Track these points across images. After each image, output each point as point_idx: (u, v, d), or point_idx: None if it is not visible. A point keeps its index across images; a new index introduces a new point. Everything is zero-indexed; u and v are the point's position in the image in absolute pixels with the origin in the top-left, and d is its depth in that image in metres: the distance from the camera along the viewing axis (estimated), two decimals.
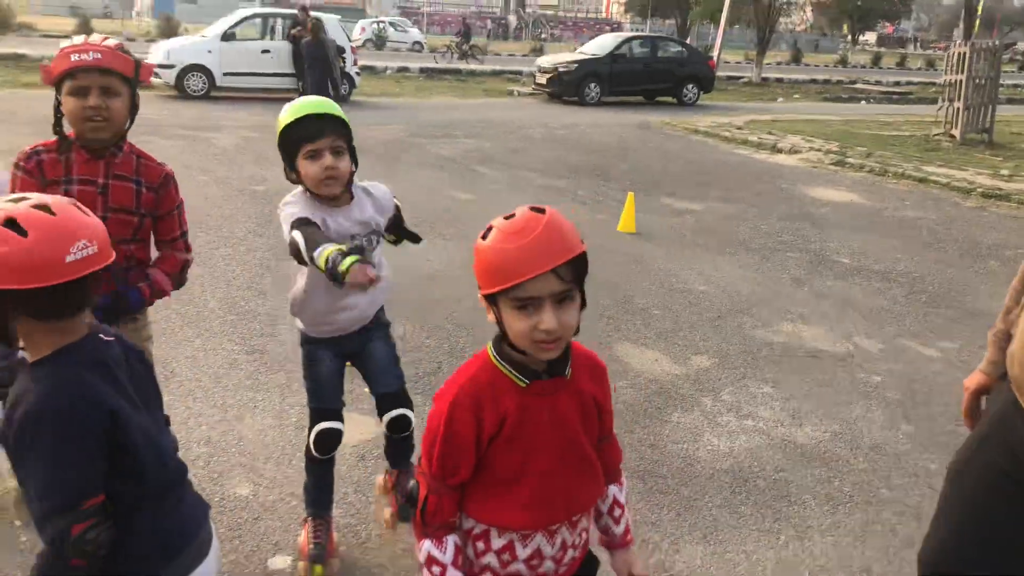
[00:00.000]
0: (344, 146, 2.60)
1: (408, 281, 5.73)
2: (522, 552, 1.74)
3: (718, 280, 6.66)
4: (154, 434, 1.74)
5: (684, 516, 3.41)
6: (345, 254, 2.26)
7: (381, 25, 38.34)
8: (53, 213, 1.55)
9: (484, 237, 1.61)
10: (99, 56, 2.41)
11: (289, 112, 2.59)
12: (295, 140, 2.57)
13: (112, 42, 2.51)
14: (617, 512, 1.93)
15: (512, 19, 54.85)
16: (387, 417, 2.95)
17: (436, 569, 1.71)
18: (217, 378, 4.36)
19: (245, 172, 9.43)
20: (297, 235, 2.41)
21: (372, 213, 2.73)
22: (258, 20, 17.80)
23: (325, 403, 2.84)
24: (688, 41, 29.21)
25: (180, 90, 16.30)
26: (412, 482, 1.78)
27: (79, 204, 1.63)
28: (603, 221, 8.35)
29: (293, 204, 2.61)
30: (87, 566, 1.58)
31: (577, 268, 1.60)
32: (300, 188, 2.66)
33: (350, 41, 18.12)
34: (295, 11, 17.40)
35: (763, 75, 29.70)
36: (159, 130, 11.65)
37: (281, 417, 3.98)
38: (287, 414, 3.99)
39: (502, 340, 1.67)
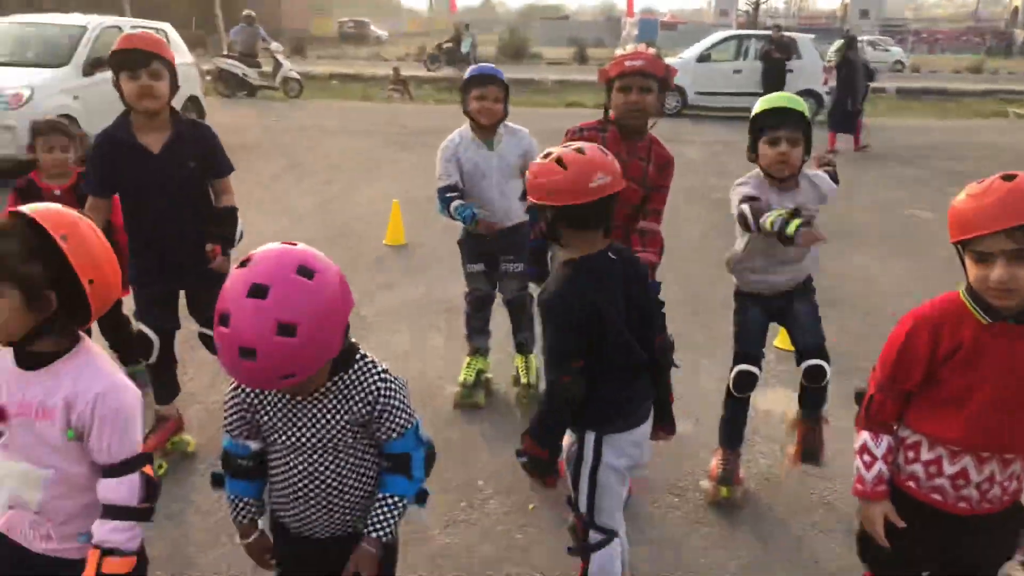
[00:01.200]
0: (800, 138, 3.05)
1: (854, 286, 5.83)
2: (948, 468, 1.98)
3: None
4: (621, 327, 2.33)
5: None
6: (787, 219, 2.76)
7: (860, 45, 36.78)
8: (583, 153, 2.24)
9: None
10: (643, 63, 3.18)
11: (763, 102, 3.14)
12: (760, 126, 3.11)
13: (652, 51, 3.28)
14: None
15: (1018, 34, 47.96)
16: (805, 365, 3.31)
17: (867, 458, 2.04)
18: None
19: (707, 182, 10.19)
20: (745, 208, 2.98)
21: (811, 199, 3.17)
22: (733, 42, 18.59)
23: (746, 347, 3.33)
24: None
25: None
26: (859, 385, 2.12)
27: (601, 147, 2.30)
28: None
29: (744, 185, 3.17)
30: (567, 408, 2.26)
31: None
32: (755, 171, 3.19)
33: (824, 61, 17.95)
34: (769, 31, 17.82)
35: None
36: None
37: (722, 381, 4.52)
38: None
39: None
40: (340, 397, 1.82)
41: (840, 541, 3.18)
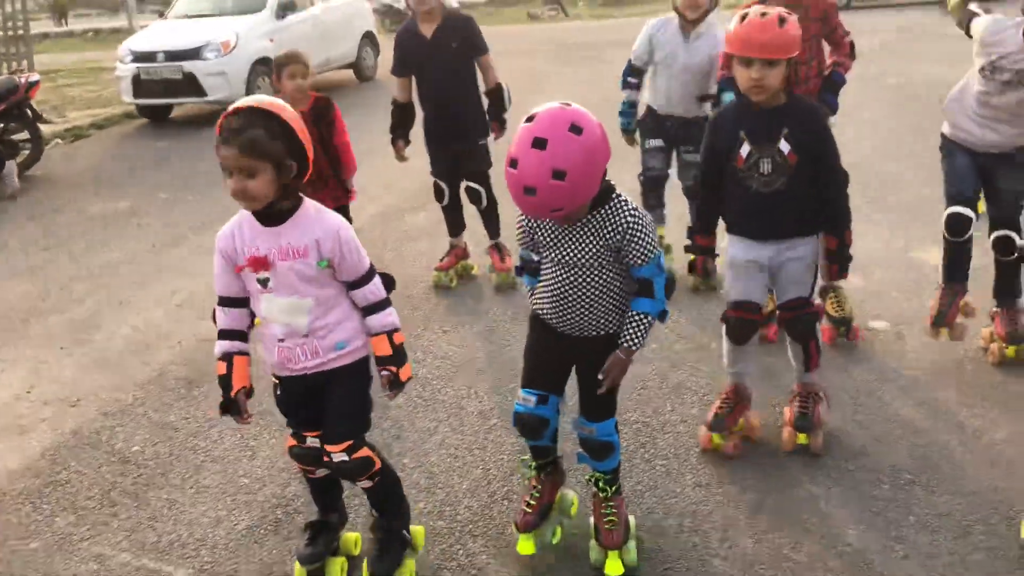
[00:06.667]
0: None
1: None
2: None
3: None
4: None
5: None
6: None
7: None
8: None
9: None
10: None
11: None
12: None
13: None
14: None
15: None
16: (993, 236, 3.41)
17: None
18: None
19: (880, 68, 9.89)
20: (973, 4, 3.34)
21: None
22: None
23: (956, 187, 3.39)
24: None
25: None
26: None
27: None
28: None
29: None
30: None
31: None
32: None
33: None
34: None
35: None
36: None
37: (889, 243, 4.79)
38: (894, 243, 4.75)
39: None
40: (598, 226, 2.26)
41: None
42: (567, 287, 2.36)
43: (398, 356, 2.38)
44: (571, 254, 2.32)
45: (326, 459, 2.42)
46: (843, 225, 2.89)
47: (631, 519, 2.66)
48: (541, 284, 2.46)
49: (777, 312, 3.08)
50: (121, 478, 3.20)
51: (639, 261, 2.29)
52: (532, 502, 2.61)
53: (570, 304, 2.38)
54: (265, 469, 3.20)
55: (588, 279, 2.34)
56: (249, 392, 2.40)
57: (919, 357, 3.62)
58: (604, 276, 2.34)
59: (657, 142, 4.48)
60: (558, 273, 2.38)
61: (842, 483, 2.86)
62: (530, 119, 2.12)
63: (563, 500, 2.72)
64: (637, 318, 2.35)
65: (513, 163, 2.11)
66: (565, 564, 2.60)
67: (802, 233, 2.89)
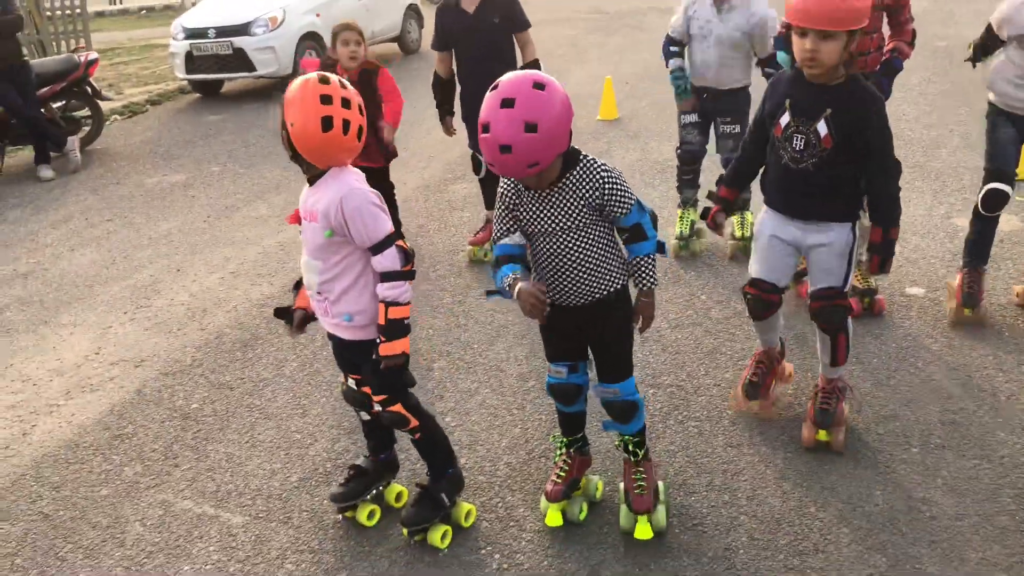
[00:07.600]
0: None
1: None
2: None
3: None
4: None
5: None
6: None
7: None
8: None
9: None
10: None
11: None
12: None
13: None
14: None
15: None
16: None
17: None
18: None
19: (931, 31, 9.65)
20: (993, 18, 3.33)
21: None
22: None
23: (997, 164, 3.41)
24: None
25: None
26: None
27: None
28: None
29: None
30: None
31: None
32: None
33: None
34: None
35: None
36: None
37: (931, 209, 4.75)
38: (936, 209, 4.70)
39: None
40: (574, 187, 2.34)
41: None
42: (558, 255, 2.43)
43: (388, 329, 2.41)
44: (556, 220, 2.39)
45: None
46: (890, 219, 2.71)
47: (661, 484, 2.74)
48: (537, 266, 2.50)
49: (808, 301, 2.93)
50: (182, 432, 3.42)
51: (623, 211, 2.40)
52: (561, 474, 2.71)
53: (564, 272, 2.44)
54: (316, 426, 3.37)
55: (576, 242, 2.41)
56: (308, 317, 2.62)
57: (954, 322, 3.64)
58: (590, 236, 2.41)
59: (693, 116, 4.51)
60: (546, 245, 2.44)
61: (871, 446, 2.92)
62: (494, 87, 2.24)
63: (589, 484, 2.80)
64: (643, 261, 2.46)
65: (486, 127, 2.21)
66: (599, 516, 2.73)
67: (831, 219, 2.76)
